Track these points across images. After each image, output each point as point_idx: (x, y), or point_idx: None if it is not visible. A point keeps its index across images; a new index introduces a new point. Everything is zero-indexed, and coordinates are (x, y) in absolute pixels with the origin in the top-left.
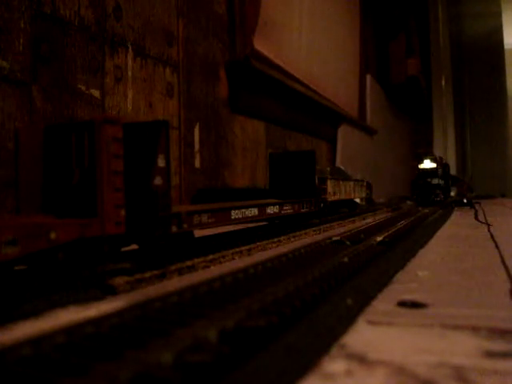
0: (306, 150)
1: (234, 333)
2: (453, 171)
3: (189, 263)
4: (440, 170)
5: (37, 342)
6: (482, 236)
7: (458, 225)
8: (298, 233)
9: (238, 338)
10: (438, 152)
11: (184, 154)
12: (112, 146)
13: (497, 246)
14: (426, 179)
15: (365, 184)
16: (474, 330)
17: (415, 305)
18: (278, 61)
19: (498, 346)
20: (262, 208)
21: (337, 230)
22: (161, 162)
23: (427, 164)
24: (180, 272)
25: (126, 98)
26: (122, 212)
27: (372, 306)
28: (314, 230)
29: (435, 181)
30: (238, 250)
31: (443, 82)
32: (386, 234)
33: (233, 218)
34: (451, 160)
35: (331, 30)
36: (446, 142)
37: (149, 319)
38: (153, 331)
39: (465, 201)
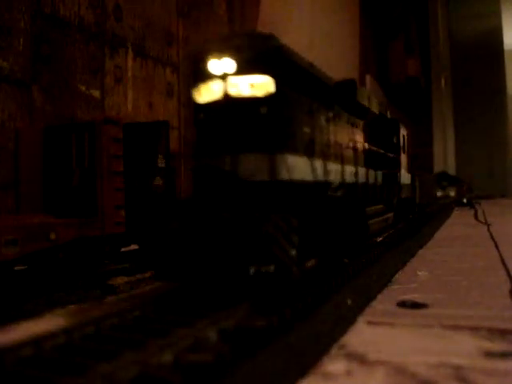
0: None
1: (234, 332)
2: (452, 171)
3: None
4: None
5: (37, 342)
6: (481, 235)
7: (457, 224)
8: None
9: (238, 337)
10: (437, 151)
11: (184, 154)
12: (112, 147)
13: (496, 246)
14: (209, 160)
15: None
16: (474, 330)
17: (415, 305)
18: None
19: (498, 346)
20: None
21: None
22: (161, 163)
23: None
24: None
25: (126, 98)
26: (122, 212)
27: (372, 307)
28: None
29: (259, 175)
30: None
31: (443, 82)
32: None
33: None
34: (451, 160)
35: (331, 31)
36: (445, 142)
37: (148, 319)
38: (152, 331)
39: (464, 201)
